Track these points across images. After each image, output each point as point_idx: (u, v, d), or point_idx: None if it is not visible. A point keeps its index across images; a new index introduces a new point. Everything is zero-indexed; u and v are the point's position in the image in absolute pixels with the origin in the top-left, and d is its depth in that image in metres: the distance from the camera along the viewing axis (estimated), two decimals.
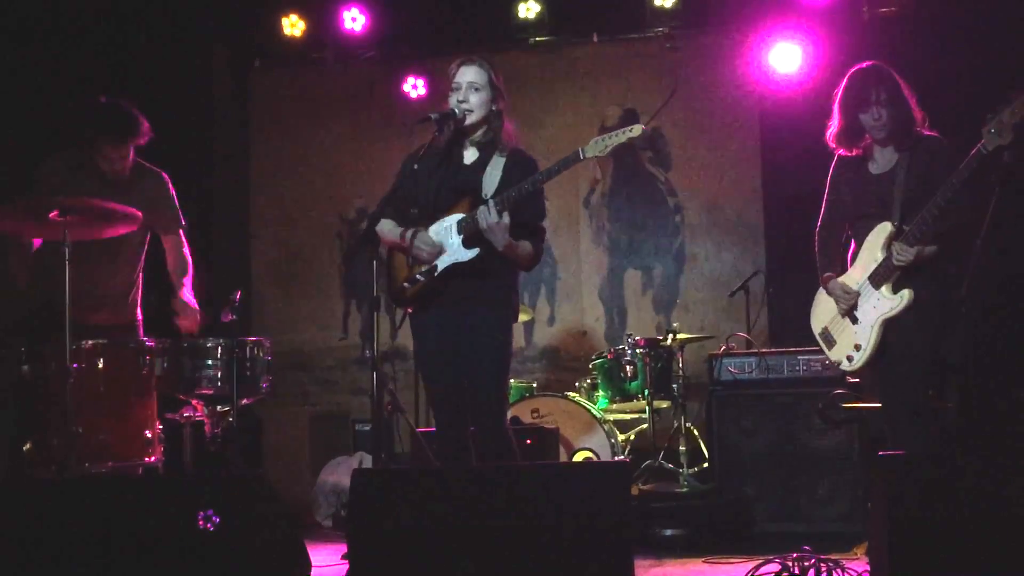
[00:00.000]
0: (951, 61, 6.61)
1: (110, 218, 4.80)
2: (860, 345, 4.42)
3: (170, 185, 5.36)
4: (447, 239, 4.28)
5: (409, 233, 4.31)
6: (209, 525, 3.59)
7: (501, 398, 4.41)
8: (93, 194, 4.90)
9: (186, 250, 5.39)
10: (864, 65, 4.46)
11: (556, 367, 7.93)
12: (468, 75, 4.32)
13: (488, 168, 4.35)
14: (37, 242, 5.13)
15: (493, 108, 4.36)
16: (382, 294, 4.31)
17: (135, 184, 5.19)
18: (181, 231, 5.38)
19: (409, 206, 4.39)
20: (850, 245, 4.59)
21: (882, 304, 4.35)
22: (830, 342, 4.60)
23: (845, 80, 4.48)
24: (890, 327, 4.36)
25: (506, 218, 4.14)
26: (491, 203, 4.15)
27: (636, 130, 4.18)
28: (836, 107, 4.50)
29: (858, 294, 4.45)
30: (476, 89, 4.31)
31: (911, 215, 4.26)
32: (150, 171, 5.32)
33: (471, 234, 4.23)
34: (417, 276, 4.30)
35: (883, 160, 4.47)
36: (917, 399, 4.34)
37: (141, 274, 5.37)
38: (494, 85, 4.35)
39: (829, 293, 4.56)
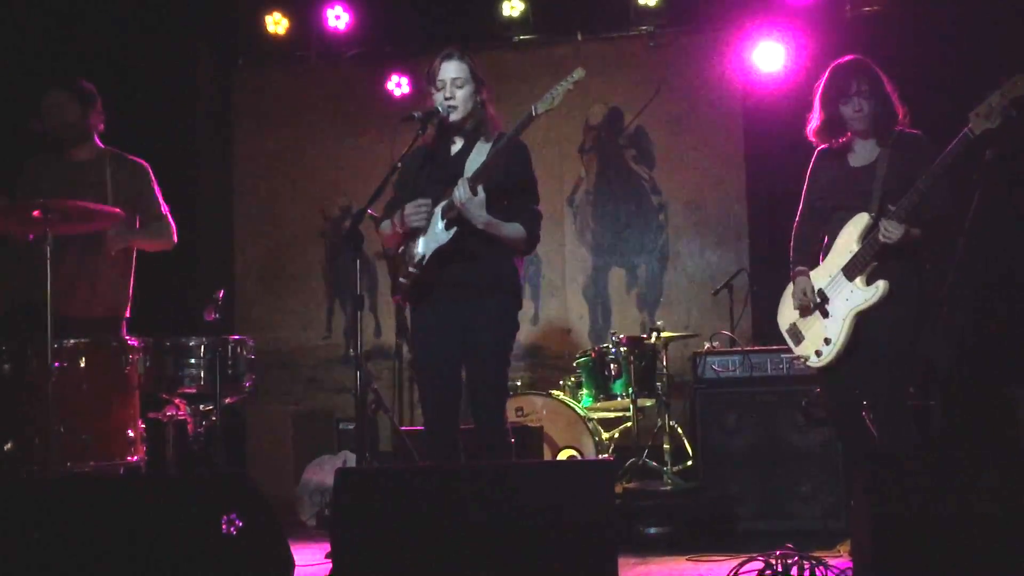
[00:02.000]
0: (933, 59, 6.64)
1: (91, 216, 4.79)
2: (830, 339, 4.39)
3: (151, 176, 5.35)
4: (434, 227, 4.28)
5: (398, 214, 4.33)
6: (232, 529, 3.56)
7: (501, 391, 4.39)
8: (59, 181, 5.01)
9: (169, 232, 5.36)
10: (846, 58, 4.48)
11: (540, 365, 7.92)
12: (451, 71, 4.32)
13: (472, 154, 4.35)
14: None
15: (477, 99, 4.37)
16: (365, 293, 4.31)
17: (104, 171, 5.19)
18: (163, 222, 5.35)
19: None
20: (824, 240, 4.58)
21: (855, 296, 4.32)
22: (798, 338, 4.57)
23: (827, 73, 4.49)
24: (863, 321, 4.33)
25: (481, 194, 4.14)
26: (463, 180, 4.15)
27: (578, 73, 4.13)
28: (817, 101, 4.51)
29: (817, 298, 4.43)
30: (460, 85, 4.32)
31: (888, 209, 4.26)
32: (127, 161, 5.33)
33: (452, 218, 4.24)
34: (410, 269, 4.30)
35: (864, 153, 4.47)
36: (895, 394, 4.33)
37: (131, 270, 5.36)
38: (476, 77, 4.36)
39: (794, 287, 4.55)
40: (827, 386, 4.59)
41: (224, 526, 3.55)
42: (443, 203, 4.27)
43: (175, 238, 5.39)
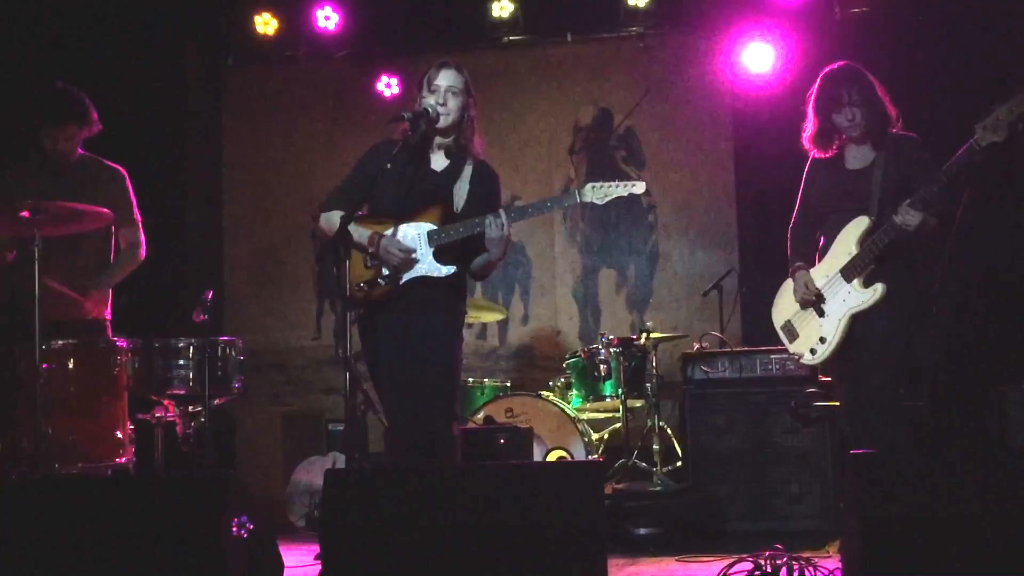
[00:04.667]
0: (923, 60, 6.66)
1: (81, 217, 4.78)
2: (825, 338, 4.43)
3: (128, 182, 5.31)
4: (415, 247, 4.27)
5: (377, 237, 4.28)
6: (243, 532, 3.55)
7: (452, 401, 4.40)
8: (30, 185, 4.97)
9: (140, 247, 5.33)
10: (835, 66, 4.50)
11: (530, 366, 7.93)
12: (448, 79, 4.32)
13: (459, 181, 4.37)
14: None
15: (466, 115, 4.37)
16: None
17: (80, 176, 5.16)
18: (136, 228, 5.33)
19: (361, 201, 4.37)
20: (820, 240, 4.61)
21: (853, 298, 4.36)
22: (792, 335, 4.62)
23: (817, 82, 4.51)
24: (859, 321, 4.37)
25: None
26: (504, 215, 4.18)
27: (639, 187, 4.25)
28: (809, 109, 4.54)
29: (819, 293, 4.46)
30: (454, 94, 4.32)
31: (887, 211, 4.29)
32: (104, 167, 5.30)
33: (443, 248, 4.24)
34: (379, 280, 4.27)
35: (860, 157, 4.50)
36: (887, 396, 4.36)
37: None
38: (469, 92, 4.37)
39: (794, 282, 4.57)
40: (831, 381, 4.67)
41: (235, 529, 3.54)
42: (430, 228, 4.26)
43: (144, 250, 5.35)
